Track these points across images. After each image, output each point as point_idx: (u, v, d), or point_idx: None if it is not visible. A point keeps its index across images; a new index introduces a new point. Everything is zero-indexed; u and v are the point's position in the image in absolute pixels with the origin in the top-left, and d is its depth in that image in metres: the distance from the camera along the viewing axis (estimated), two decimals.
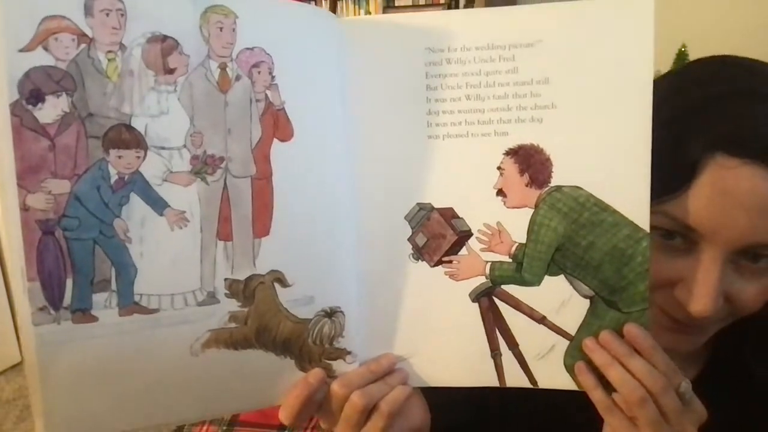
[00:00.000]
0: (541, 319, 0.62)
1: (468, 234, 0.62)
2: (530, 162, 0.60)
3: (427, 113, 0.60)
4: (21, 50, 0.45)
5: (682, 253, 0.59)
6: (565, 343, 0.62)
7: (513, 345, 0.63)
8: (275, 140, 0.55)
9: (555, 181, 0.60)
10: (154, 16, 0.48)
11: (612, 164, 0.58)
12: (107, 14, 0.47)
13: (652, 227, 0.59)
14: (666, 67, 0.68)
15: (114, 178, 0.49)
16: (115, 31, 0.47)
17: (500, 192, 0.61)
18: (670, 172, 0.57)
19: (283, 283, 0.57)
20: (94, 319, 0.51)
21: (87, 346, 0.51)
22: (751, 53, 0.63)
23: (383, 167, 0.61)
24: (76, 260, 0.49)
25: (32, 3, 0.45)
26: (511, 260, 0.62)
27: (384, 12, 3.71)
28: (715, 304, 0.57)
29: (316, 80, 0.57)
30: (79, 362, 0.51)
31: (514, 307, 0.62)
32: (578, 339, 0.61)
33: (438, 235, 0.62)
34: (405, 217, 0.62)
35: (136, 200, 0.50)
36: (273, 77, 0.54)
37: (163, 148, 0.50)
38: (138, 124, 0.49)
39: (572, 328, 0.61)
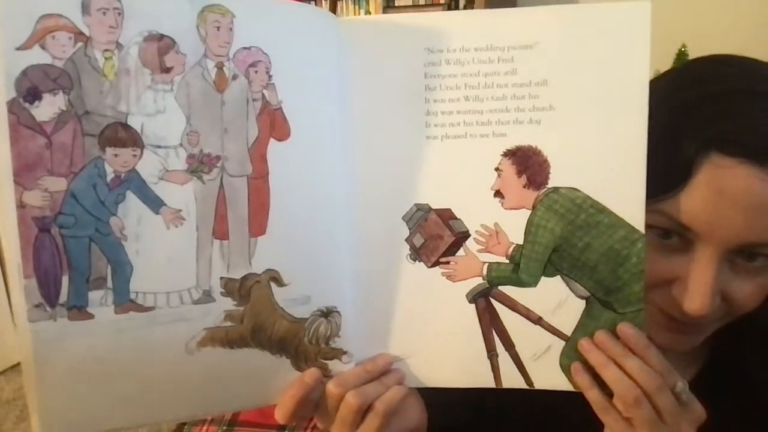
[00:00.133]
0: (538, 320, 0.62)
1: (465, 235, 0.62)
2: (528, 163, 0.60)
3: (425, 114, 0.61)
4: (18, 48, 0.45)
5: (679, 252, 0.59)
6: (561, 343, 0.62)
7: (509, 346, 0.63)
8: (272, 140, 0.55)
9: (552, 182, 0.60)
10: (151, 15, 0.48)
11: (608, 166, 0.59)
12: (104, 13, 0.47)
13: (648, 226, 0.59)
14: (666, 67, 0.68)
15: (110, 176, 0.49)
16: (112, 30, 0.47)
17: (498, 193, 0.61)
18: (667, 171, 0.57)
19: (279, 282, 0.57)
20: (90, 316, 0.51)
21: (83, 344, 0.51)
22: (751, 53, 0.63)
23: (381, 167, 0.61)
24: (72, 257, 0.50)
25: (29, 1, 0.46)
26: (508, 261, 0.62)
27: (384, 12, 3.70)
28: (710, 303, 0.57)
29: (313, 80, 0.57)
30: (75, 359, 0.51)
31: (511, 308, 0.62)
32: (574, 339, 0.61)
33: (435, 236, 0.62)
34: (403, 218, 0.62)
35: (132, 198, 0.50)
36: (270, 77, 0.54)
37: (159, 146, 0.50)
38: (134, 122, 0.49)
39: (568, 329, 0.61)
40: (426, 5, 3.70)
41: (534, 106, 0.59)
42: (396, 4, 3.76)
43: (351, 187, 0.61)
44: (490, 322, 0.63)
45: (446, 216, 0.62)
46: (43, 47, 0.46)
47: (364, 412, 0.60)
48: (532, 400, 0.64)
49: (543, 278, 0.61)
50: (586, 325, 0.61)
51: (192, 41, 0.50)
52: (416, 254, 0.63)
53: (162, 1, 0.49)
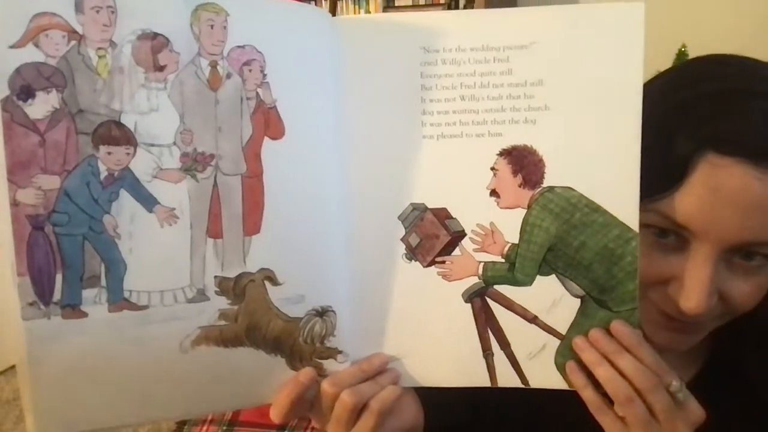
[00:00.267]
0: (533, 319, 0.62)
1: (461, 234, 0.62)
2: (523, 163, 0.60)
3: (421, 113, 0.60)
4: (11, 46, 0.45)
5: (676, 251, 0.59)
6: (557, 342, 0.62)
7: (505, 345, 0.63)
8: (266, 138, 0.55)
9: (547, 181, 0.60)
10: (145, 14, 0.49)
11: (603, 165, 0.59)
12: (97, 11, 0.47)
13: (645, 225, 0.59)
14: (666, 67, 0.68)
15: (104, 174, 0.49)
16: (105, 28, 0.47)
17: (494, 192, 0.61)
18: (663, 170, 0.57)
19: (274, 281, 0.57)
20: (84, 314, 0.51)
21: (77, 342, 0.51)
22: (751, 53, 0.63)
23: (377, 167, 0.61)
24: (66, 256, 0.50)
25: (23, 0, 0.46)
26: (503, 260, 0.62)
27: (383, 12, 3.70)
28: (707, 302, 0.57)
29: (308, 78, 0.57)
30: (69, 357, 0.51)
31: (507, 307, 0.62)
32: (569, 338, 0.61)
33: (431, 236, 0.62)
34: (398, 217, 0.62)
35: (125, 197, 0.50)
36: (264, 75, 0.54)
37: (152, 145, 0.50)
38: (128, 120, 0.49)
39: (563, 328, 0.62)
40: (426, 5, 3.69)
41: (529, 106, 0.59)
42: (396, 5, 3.76)
43: (346, 186, 0.61)
44: (485, 322, 0.63)
45: (442, 215, 0.62)
46: (36, 45, 0.46)
47: (359, 411, 0.60)
48: (528, 399, 0.64)
49: (538, 277, 0.61)
50: (581, 324, 0.61)
51: (186, 40, 0.50)
52: (412, 254, 0.63)
53: (156, 0, 0.49)
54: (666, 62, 0.68)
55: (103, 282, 0.51)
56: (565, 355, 0.61)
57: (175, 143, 0.51)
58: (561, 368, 0.62)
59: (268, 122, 0.54)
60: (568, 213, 0.60)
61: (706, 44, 0.69)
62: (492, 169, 0.61)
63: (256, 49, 0.53)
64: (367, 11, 3.79)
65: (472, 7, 3.39)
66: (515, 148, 0.60)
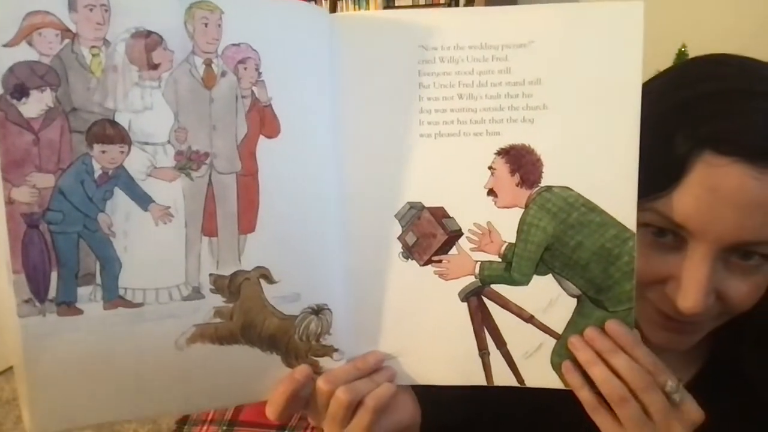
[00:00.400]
0: (529, 318, 0.62)
1: (458, 233, 0.62)
2: (521, 162, 0.60)
3: (419, 111, 0.60)
4: (5, 45, 0.45)
5: (673, 251, 0.59)
6: (553, 341, 0.62)
7: (501, 344, 0.63)
8: (262, 137, 0.55)
9: (545, 181, 0.60)
10: (139, 12, 0.48)
11: (600, 165, 0.59)
12: (91, 9, 0.47)
13: (643, 224, 0.59)
14: (666, 67, 0.68)
15: (98, 172, 0.49)
16: (99, 27, 0.47)
17: (491, 192, 0.61)
18: (661, 169, 0.57)
19: (269, 279, 0.57)
20: (79, 312, 0.51)
21: (72, 339, 0.51)
22: (751, 53, 0.62)
23: (374, 165, 0.61)
24: (61, 253, 0.50)
25: None
26: (500, 260, 0.61)
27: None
28: (704, 301, 0.57)
29: (304, 76, 0.57)
30: (65, 354, 0.52)
31: (503, 307, 0.62)
32: (565, 338, 0.61)
33: (428, 234, 0.62)
34: (395, 216, 0.62)
35: (120, 195, 0.50)
36: (259, 73, 0.53)
37: (147, 143, 0.50)
38: (122, 119, 0.49)
39: (559, 327, 0.61)
40: (426, 5, 3.68)
41: (527, 105, 0.59)
42: (396, 4, 3.74)
43: (343, 185, 0.61)
44: (482, 321, 0.63)
45: (439, 214, 0.62)
46: (30, 44, 0.46)
47: (354, 408, 0.60)
48: (525, 398, 0.64)
49: (535, 277, 0.61)
50: (577, 324, 0.61)
51: (180, 38, 0.50)
52: (409, 252, 0.62)
53: None
54: (666, 62, 0.68)
55: (98, 280, 0.51)
56: (561, 354, 0.61)
57: (169, 142, 0.51)
58: (557, 368, 0.62)
59: (263, 120, 0.54)
60: (565, 212, 0.59)
61: (706, 44, 0.69)
62: (490, 168, 0.60)
63: (251, 47, 0.53)
64: (367, 10, 3.78)
65: (472, 6, 3.38)
66: (513, 147, 0.60)
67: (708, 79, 0.60)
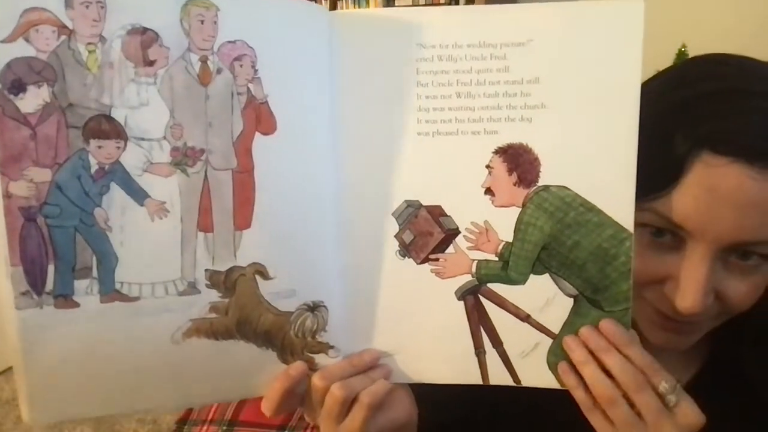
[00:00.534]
0: (526, 318, 0.62)
1: (455, 232, 0.62)
2: (519, 161, 0.60)
3: (417, 110, 0.60)
4: (2, 41, 0.46)
5: (672, 251, 0.59)
6: (549, 341, 0.62)
7: (497, 343, 0.63)
8: (258, 134, 0.55)
9: (542, 180, 0.60)
10: (134, 9, 0.49)
11: (598, 165, 0.58)
12: (87, 6, 0.47)
13: (641, 224, 0.59)
14: (666, 67, 0.68)
15: (94, 167, 0.50)
16: (95, 23, 0.48)
17: (488, 190, 0.61)
18: (659, 169, 0.57)
19: (265, 275, 0.57)
20: (76, 305, 0.52)
21: (69, 331, 0.52)
22: (751, 53, 0.62)
23: (372, 163, 0.61)
24: (58, 247, 0.50)
25: None
26: (497, 259, 0.61)
27: None
28: (703, 301, 0.57)
29: (302, 74, 0.57)
30: (62, 346, 0.52)
31: (499, 306, 0.62)
32: (561, 337, 0.61)
33: (425, 233, 0.62)
34: (392, 214, 0.62)
35: (116, 190, 0.51)
36: (255, 70, 0.54)
37: (143, 139, 0.51)
38: (118, 115, 0.50)
39: (556, 327, 0.61)
40: (426, 5, 3.67)
41: (526, 104, 0.59)
42: (396, 4, 3.74)
43: (340, 182, 0.61)
44: (478, 320, 0.63)
45: (436, 213, 0.62)
46: (27, 40, 0.47)
47: (349, 404, 0.60)
48: (522, 397, 0.64)
49: (532, 276, 0.61)
50: (573, 323, 0.60)
51: (175, 35, 0.50)
52: (405, 251, 0.63)
53: None
54: (666, 62, 0.67)
55: (95, 273, 0.52)
56: (558, 354, 0.61)
57: (165, 138, 0.51)
58: (553, 367, 0.61)
59: (259, 117, 0.54)
60: (562, 212, 0.59)
61: (706, 44, 0.69)
62: (487, 167, 0.60)
63: (247, 44, 0.53)
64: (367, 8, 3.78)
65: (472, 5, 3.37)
66: (511, 146, 0.60)
67: (707, 79, 0.59)
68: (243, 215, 0.55)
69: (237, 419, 1.11)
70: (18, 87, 0.47)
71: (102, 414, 0.57)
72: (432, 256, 0.62)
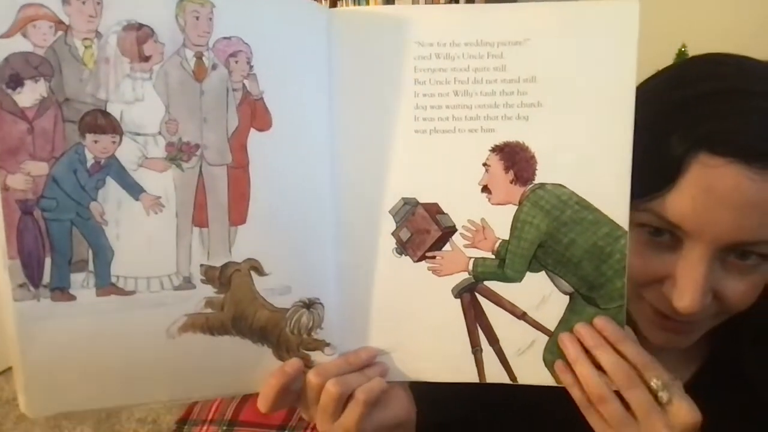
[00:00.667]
0: (522, 315, 0.62)
1: (452, 230, 0.62)
2: (515, 159, 0.60)
3: (414, 107, 0.60)
4: (0, 36, 0.47)
5: (670, 250, 0.59)
6: (545, 339, 0.62)
7: (494, 341, 0.63)
8: (253, 130, 0.55)
9: (539, 178, 0.60)
10: (130, 5, 0.50)
11: (594, 163, 0.59)
12: (83, 2, 0.48)
13: (640, 224, 0.59)
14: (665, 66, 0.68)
15: (90, 162, 0.51)
16: (91, 19, 0.49)
17: (485, 188, 0.61)
18: (657, 169, 0.57)
19: (260, 271, 0.57)
20: (73, 298, 0.52)
21: (65, 324, 0.53)
22: (752, 53, 0.62)
23: (369, 160, 0.62)
24: (54, 240, 0.51)
25: None
26: (494, 257, 0.61)
27: None
28: (701, 301, 0.57)
29: (298, 70, 0.57)
30: (58, 339, 0.53)
31: (496, 303, 0.62)
32: (557, 335, 0.61)
33: (422, 230, 0.62)
34: (389, 212, 0.62)
35: (112, 184, 0.52)
36: (251, 67, 0.54)
37: (138, 134, 0.51)
38: (113, 110, 0.50)
39: (552, 324, 0.61)
40: (425, 3, 3.65)
41: (522, 102, 0.59)
42: (396, 2, 3.73)
43: (337, 179, 0.61)
44: (474, 317, 0.63)
45: (433, 210, 0.62)
46: (24, 36, 0.47)
47: (345, 401, 0.60)
48: (521, 395, 0.64)
49: (528, 274, 0.61)
50: (569, 321, 0.61)
51: (170, 31, 0.51)
52: (402, 248, 0.63)
53: None
54: (666, 62, 0.67)
55: (91, 267, 0.53)
56: (554, 351, 0.61)
57: (160, 133, 0.52)
58: (549, 365, 0.62)
59: (254, 114, 0.55)
60: (558, 210, 0.59)
61: (706, 44, 0.68)
62: (484, 164, 0.60)
63: (242, 40, 0.53)
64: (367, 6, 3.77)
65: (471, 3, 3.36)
66: (507, 144, 0.60)
67: (705, 79, 0.59)
68: (238, 211, 0.56)
69: (237, 419, 1.11)
70: (15, 81, 0.48)
71: (99, 407, 0.58)
72: (429, 254, 0.62)
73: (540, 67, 0.59)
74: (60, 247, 0.51)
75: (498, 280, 0.62)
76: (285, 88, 0.57)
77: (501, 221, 0.61)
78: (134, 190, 0.52)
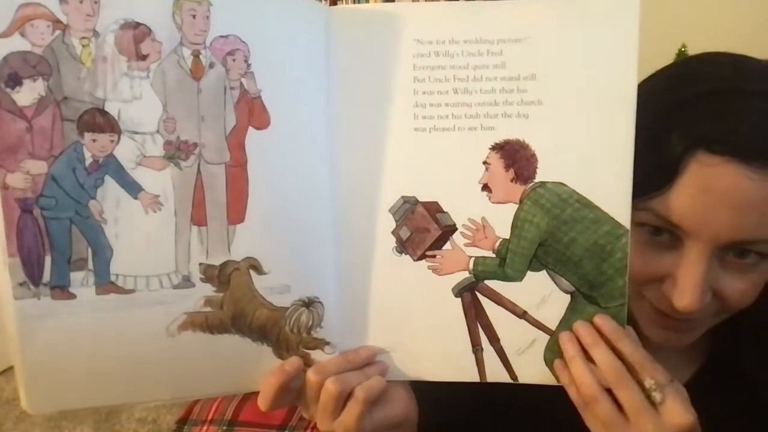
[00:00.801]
0: (523, 314, 0.61)
1: (452, 228, 0.62)
2: (516, 157, 0.60)
3: (413, 105, 0.60)
4: None
5: (670, 249, 0.59)
6: (546, 338, 0.61)
7: (494, 340, 0.62)
8: (251, 128, 0.55)
9: (539, 176, 0.60)
10: (127, 3, 0.50)
11: (595, 161, 0.58)
12: (81, 1, 0.48)
13: (640, 224, 0.59)
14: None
15: (89, 160, 0.51)
16: (88, 18, 0.49)
17: (485, 187, 0.61)
18: (656, 169, 0.57)
19: (259, 270, 0.57)
20: (72, 296, 0.53)
21: (65, 322, 0.53)
22: (751, 53, 0.61)
23: (368, 159, 0.61)
24: (54, 238, 0.51)
25: None
26: (494, 256, 0.61)
27: None
28: (700, 299, 0.57)
29: (297, 68, 0.57)
30: (58, 336, 0.53)
31: (496, 302, 0.62)
32: (558, 334, 0.61)
33: (422, 229, 0.62)
34: (389, 210, 0.62)
35: (110, 183, 0.52)
36: (249, 65, 0.54)
37: (136, 132, 0.51)
38: (111, 108, 0.51)
39: (553, 323, 0.61)
40: (425, 1, 3.65)
41: (522, 100, 0.59)
42: (395, 1, 3.73)
43: (336, 178, 0.61)
44: (475, 316, 0.62)
45: (433, 209, 0.62)
46: (22, 35, 0.48)
47: (345, 400, 0.60)
48: (524, 395, 0.64)
49: (528, 273, 0.61)
50: (570, 320, 0.60)
51: (168, 29, 0.51)
52: (402, 247, 0.63)
53: None
54: (666, 62, 0.67)
55: (90, 265, 0.53)
56: (554, 350, 0.61)
57: (158, 131, 0.52)
58: (550, 364, 0.61)
59: (252, 112, 0.55)
60: (559, 208, 0.59)
61: (706, 44, 0.68)
62: (484, 163, 0.60)
63: (240, 39, 0.53)
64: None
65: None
66: (508, 142, 0.60)
67: (704, 79, 0.59)
68: (236, 210, 0.56)
69: (237, 419, 1.11)
70: (14, 80, 0.48)
71: (99, 404, 0.58)
72: (429, 253, 0.62)
73: (540, 65, 0.58)
74: (59, 245, 0.52)
75: (498, 280, 0.62)
76: (283, 86, 0.57)
77: (501, 220, 0.61)
78: (133, 188, 0.52)
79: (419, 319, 0.63)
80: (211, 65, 0.53)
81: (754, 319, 0.64)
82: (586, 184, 0.59)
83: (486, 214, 0.61)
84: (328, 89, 0.60)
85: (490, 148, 0.60)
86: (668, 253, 0.59)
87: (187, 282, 0.55)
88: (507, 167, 0.60)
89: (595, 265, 0.59)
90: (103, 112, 0.50)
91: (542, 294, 0.61)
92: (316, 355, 0.62)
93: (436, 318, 0.63)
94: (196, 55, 0.52)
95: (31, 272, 0.52)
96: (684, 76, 0.62)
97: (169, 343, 0.56)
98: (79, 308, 0.53)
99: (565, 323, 0.60)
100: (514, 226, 0.60)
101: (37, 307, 0.52)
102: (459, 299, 0.62)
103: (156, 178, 0.53)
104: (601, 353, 0.56)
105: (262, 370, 0.60)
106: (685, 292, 0.57)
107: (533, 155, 0.59)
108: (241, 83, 0.54)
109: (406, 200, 0.62)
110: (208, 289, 0.56)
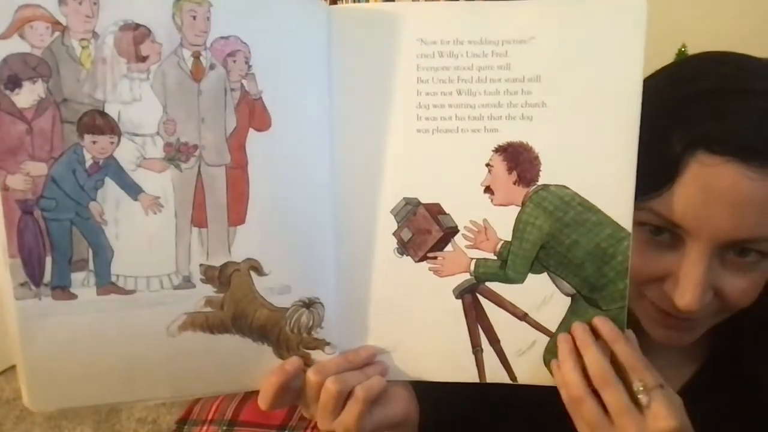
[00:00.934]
0: (523, 316, 0.61)
1: (454, 230, 0.61)
2: (519, 160, 0.59)
3: (416, 106, 0.60)
4: None
5: (670, 249, 0.59)
6: (546, 339, 0.62)
7: (494, 341, 0.62)
8: (252, 130, 0.55)
9: (542, 179, 0.59)
10: (127, 5, 0.49)
11: (598, 164, 0.58)
12: (80, 3, 0.48)
13: (640, 223, 0.59)
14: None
15: (89, 162, 0.51)
16: (88, 19, 0.49)
17: (488, 189, 0.60)
18: (656, 169, 0.57)
19: (259, 271, 0.57)
20: (73, 296, 0.53)
21: (66, 322, 0.53)
22: (751, 53, 0.61)
23: (370, 160, 0.61)
24: (55, 239, 0.52)
25: None
26: (496, 258, 0.61)
27: None
28: (701, 298, 0.57)
29: (299, 70, 0.57)
30: (59, 336, 0.54)
31: (497, 304, 0.62)
32: (558, 335, 0.60)
33: (424, 231, 0.62)
34: (391, 211, 0.62)
35: (110, 184, 0.52)
36: (249, 66, 0.54)
37: (136, 134, 0.51)
38: (111, 110, 0.50)
39: (553, 325, 0.61)
40: (428, 1, 3.63)
41: (526, 102, 0.59)
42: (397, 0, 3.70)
43: (338, 179, 0.61)
44: (476, 318, 0.62)
45: (435, 211, 0.61)
46: (22, 37, 0.48)
47: (345, 399, 0.60)
48: (524, 396, 0.64)
49: (530, 275, 0.61)
50: (570, 322, 0.60)
51: (168, 30, 0.51)
52: (404, 248, 0.62)
53: None
54: (666, 62, 0.66)
55: (91, 266, 0.53)
56: (554, 352, 0.61)
57: (158, 133, 0.52)
58: (549, 365, 0.61)
59: (252, 113, 0.55)
60: (561, 211, 0.59)
61: (706, 44, 0.67)
62: (487, 165, 0.60)
63: (240, 40, 0.53)
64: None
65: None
66: (511, 144, 0.59)
67: (704, 78, 0.59)
68: (237, 211, 0.55)
69: (237, 419, 1.11)
70: (14, 82, 0.48)
71: (100, 402, 0.58)
72: (430, 254, 0.62)
73: (545, 67, 0.58)
74: (60, 246, 0.52)
75: (499, 282, 0.61)
76: (284, 87, 0.56)
77: (503, 222, 0.60)
78: (133, 190, 0.52)
79: (420, 319, 0.63)
80: (212, 66, 0.53)
81: (755, 318, 0.64)
82: (589, 187, 0.58)
83: (488, 216, 0.61)
84: (329, 90, 0.59)
85: (493, 150, 0.60)
86: (669, 253, 0.59)
87: (187, 283, 0.55)
88: (510, 170, 0.60)
89: (596, 267, 0.59)
90: (103, 114, 0.50)
91: (543, 296, 0.61)
92: (316, 355, 0.62)
93: (437, 319, 0.63)
94: (196, 56, 0.52)
95: (32, 273, 0.52)
96: (684, 75, 0.62)
97: (169, 343, 0.56)
98: (80, 308, 0.53)
99: (566, 325, 0.60)
100: (516, 229, 0.60)
101: (38, 307, 0.52)
102: (460, 301, 0.62)
103: (156, 179, 0.53)
104: (590, 354, 0.56)
105: (262, 369, 0.60)
106: (686, 291, 0.57)
107: (536, 158, 0.59)
108: (242, 84, 0.54)
109: (407, 201, 0.62)
110: (209, 290, 0.56)
